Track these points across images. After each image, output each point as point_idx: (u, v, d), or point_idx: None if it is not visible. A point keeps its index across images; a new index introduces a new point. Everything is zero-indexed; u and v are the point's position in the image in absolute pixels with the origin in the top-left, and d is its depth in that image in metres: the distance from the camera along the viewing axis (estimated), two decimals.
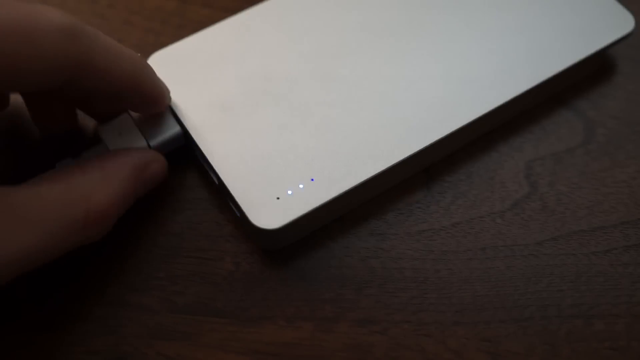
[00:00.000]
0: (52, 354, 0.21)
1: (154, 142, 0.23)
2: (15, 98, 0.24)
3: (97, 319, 0.22)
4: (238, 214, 0.23)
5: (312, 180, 0.22)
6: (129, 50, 0.20)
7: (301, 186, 0.22)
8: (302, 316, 0.22)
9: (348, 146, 0.23)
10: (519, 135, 0.26)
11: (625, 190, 0.25)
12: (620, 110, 0.27)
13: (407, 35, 0.26)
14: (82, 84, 0.19)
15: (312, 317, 0.22)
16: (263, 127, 0.23)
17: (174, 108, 0.24)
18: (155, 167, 0.22)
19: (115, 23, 0.28)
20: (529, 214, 0.24)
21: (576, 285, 0.23)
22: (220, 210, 0.24)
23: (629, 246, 0.24)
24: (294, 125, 0.23)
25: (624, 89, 0.28)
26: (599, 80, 0.28)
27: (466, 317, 0.22)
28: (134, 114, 0.23)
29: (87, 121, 0.25)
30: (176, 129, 0.23)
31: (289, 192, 0.22)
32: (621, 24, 0.26)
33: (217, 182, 0.23)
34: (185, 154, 0.24)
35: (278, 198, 0.22)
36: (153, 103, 0.22)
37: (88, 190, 0.19)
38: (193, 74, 0.24)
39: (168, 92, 0.23)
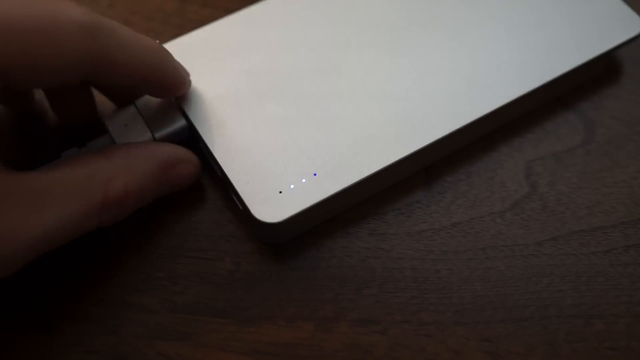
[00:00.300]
0: (52, 354, 0.21)
1: (159, 134, 0.23)
2: None
3: (97, 319, 0.22)
4: (240, 207, 0.23)
5: (315, 175, 0.22)
6: (147, 40, 0.21)
7: (304, 181, 0.22)
8: (302, 316, 0.22)
9: (351, 142, 0.23)
10: (519, 135, 0.26)
11: (625, 190, 0.25)
12: (620, 110, 0.27)
13: (413, 32, 0.26)
14: (101, 79, 0.19)
15: (312, 317, 0.22)
16: (267, 121, 0.23)
17: (180, 101, 0.24)
18: (186, 167, 0.22)
19: None
20: (529, 214, 0.24)
21: (576, 285, 0.23)
22: (220, 210, 0.24)
23: (629, 246, 0.24)
24: (298, 120, 0.23)
25: (624, 89, 0.28)
26: (599, 80, 0.28)
27: (466, 317, 0.22)
28: (140, 106, 0.23)
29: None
30: (181, 121, 0.23)
31: (292, 186, 0.22)
32: (629, 26, 0.26)
33: (220, 175, 0.23)
34: (190, 147, 0.25)
35: (280, 192, 0.22)
36: (174, 89, 0.22)
37: (108, 176, 0.20)
38: (199, 67, 0.24)
39: (188, 75, 0.23)
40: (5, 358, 0.21)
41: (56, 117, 0.24)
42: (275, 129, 0.23)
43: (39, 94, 0.25)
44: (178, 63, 0.22)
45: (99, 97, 0.25)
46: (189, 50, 0.25)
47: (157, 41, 0.21)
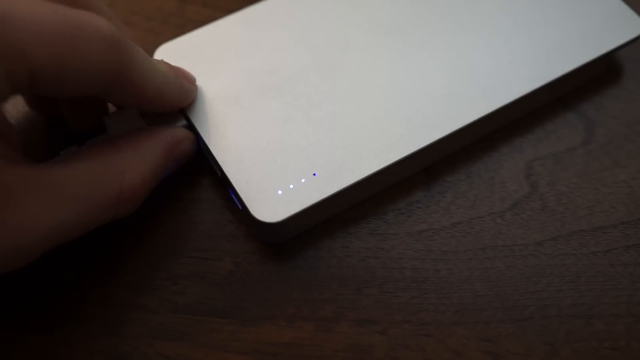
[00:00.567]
0: (52, 354, 0.21)
1: None
2: None
3: (97, 319, 0.22)
4: (240, 207, 0.23)
5: (314, 175, 0.22)
6: (161, 64, 0.21)
7: (303, 180, 0.22)
8: (302, 316, 0.22)
9: (351, 142, 0.23)
10: (519, 135, 0.26)
11: (625, 190, 0.25)
12: (620, 110, 0.27)
13: (413, 32, 0.26)
14: (112, 96, 0.20)
15: (312, 317, 0.22)
16: (266, 121, 0.23)
17: None
18: (186, 144, 0.23)
19: None
20: (529, 214, 0.24)
21: (576, 285, 0.23)
22: (220, 210, 0.24)
23: (629, 246, 0.24)
24: (298, 120, 0.23)
25: (624, 89, 0.28)
26: (600, 81, 0.28)
27: (466, 317, 0.22)
28: None
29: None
30: (181, 121, 0.23)
31: (291, 186, 0.22)
32: (630, 27, 0.26)
33: (220, 175, 0.23)
34: None
35: (280, 192, 0.22)
36: (179, 105, 0.23)
37: (122, 168, 0.20)
38: (199, 66, 0.24)
39: (195, 87, 0.24)
40: (6, 358, 0.21)
41: (69, 125, 0.24)
42: (275, 129, 0.23)
43: None
44: (186, 82, 0.23)
45: None
46: (189, 50, 0.25)
47: (163, 59, 0.22)
